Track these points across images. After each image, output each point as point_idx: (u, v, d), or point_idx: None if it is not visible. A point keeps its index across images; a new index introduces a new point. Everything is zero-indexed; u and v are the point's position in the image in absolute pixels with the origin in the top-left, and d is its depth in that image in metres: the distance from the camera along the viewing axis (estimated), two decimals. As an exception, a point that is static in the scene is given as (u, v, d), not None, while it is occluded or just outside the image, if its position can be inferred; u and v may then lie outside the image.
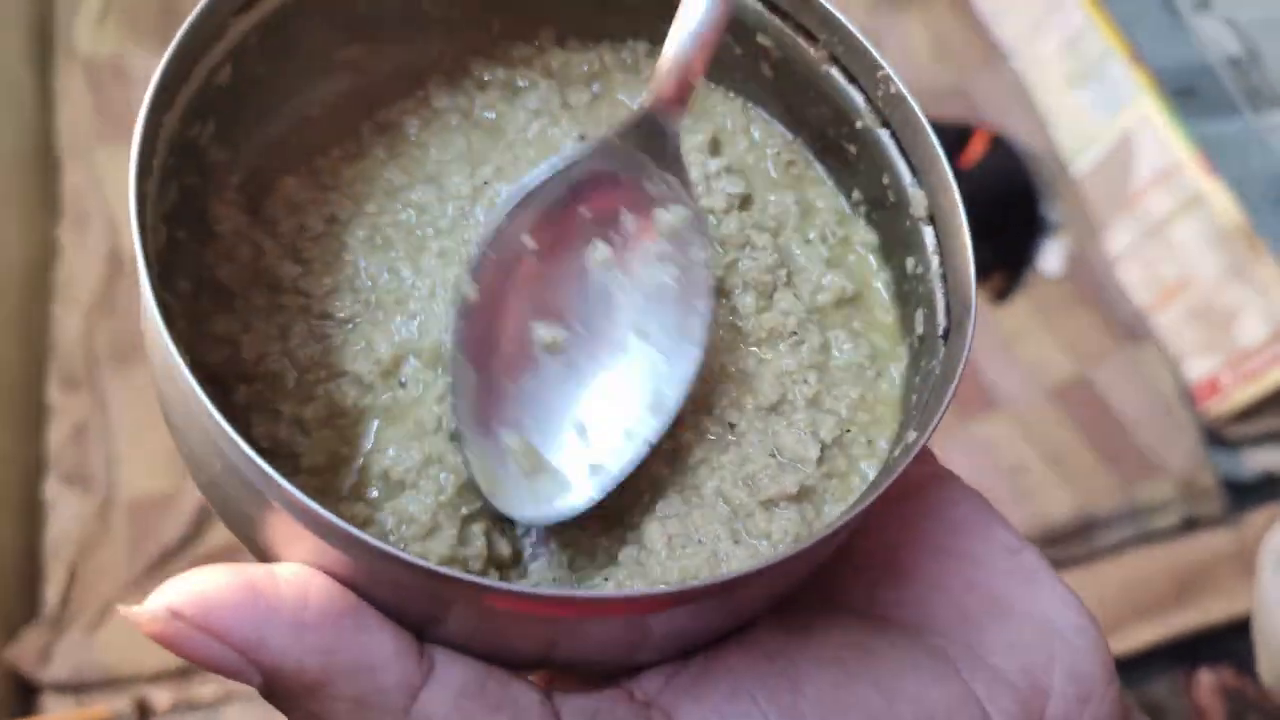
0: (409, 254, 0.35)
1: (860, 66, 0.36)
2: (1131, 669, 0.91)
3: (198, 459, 0.28)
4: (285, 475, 0.24)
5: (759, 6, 0.37)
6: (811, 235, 0.38)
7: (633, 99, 0.40)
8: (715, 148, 0.39)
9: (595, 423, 0.32)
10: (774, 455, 0.33)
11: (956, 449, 0.98)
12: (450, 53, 0.39)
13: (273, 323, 0.33)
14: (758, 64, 0.39)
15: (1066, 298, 1.08)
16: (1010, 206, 1.10)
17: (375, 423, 0.32)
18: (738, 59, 0.39)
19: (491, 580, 0.29)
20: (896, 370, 0.36)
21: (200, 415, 0.25)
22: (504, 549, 0.32)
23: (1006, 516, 0.34)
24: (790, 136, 0.40)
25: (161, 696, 0.79)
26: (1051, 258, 1.10)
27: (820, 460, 0.33)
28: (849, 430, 0.34)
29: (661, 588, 0.30)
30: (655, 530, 0.32)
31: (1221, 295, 1.01)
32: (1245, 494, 1.01)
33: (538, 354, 0.33)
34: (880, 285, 0.38)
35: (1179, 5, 1.13)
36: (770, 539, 0.32)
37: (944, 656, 0.30)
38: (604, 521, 0.33)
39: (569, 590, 0.31)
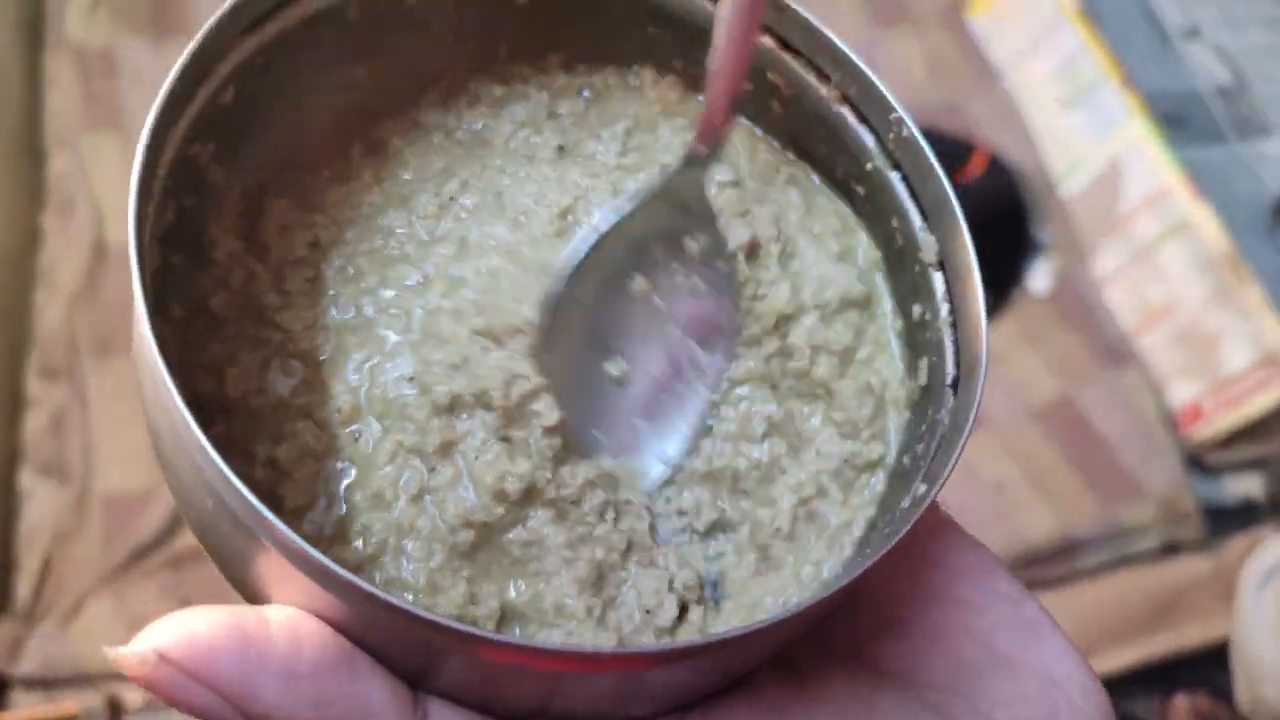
0: (374, 286, 0.34)
1: (873, 108, 0.35)
2: (1108, 692, 0.91)
3: (187, 494, 0.27)
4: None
5: (771, 43, 0.36)
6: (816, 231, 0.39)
7: (624, 110, 0.39)
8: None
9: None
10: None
11: (939, 466, 0.98)
12: (452, 73, 0.38)
13: (256, 356, 0.32)
14: (767, 100, 0.38)
15: (1053, 318, 1.08)
16: (1002, 225, 1.10)
17: (349, 471, 0.31)
18: (746, 94, 0.38)
19: (490, 632, 0.28)
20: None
21: (192, 450, 0.25)
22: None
23: (986, 534, 0.34)
24: (793, 156, 0.39)
25: (134, 694, 0.78)
26: (1039, 278, 1.10)
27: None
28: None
29: (660, 644, 0.30)
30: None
31: (1206, 321, 1.02)
32: (1225, 520, 1.01)
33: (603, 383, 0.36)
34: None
35: (1170, 32, 1.14)
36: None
37: (945, 713, 0.30)
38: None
39: (568, 645, 0.30)
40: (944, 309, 0.34)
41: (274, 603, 0.26)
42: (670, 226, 0.36)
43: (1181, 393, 1.05)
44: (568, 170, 0.37)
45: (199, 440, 0.24)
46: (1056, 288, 1.10)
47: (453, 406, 0.32)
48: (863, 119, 0.36)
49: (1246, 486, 1.03)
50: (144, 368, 0.26)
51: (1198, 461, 1.03)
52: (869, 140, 0.36)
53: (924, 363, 0.35)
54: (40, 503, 0.86)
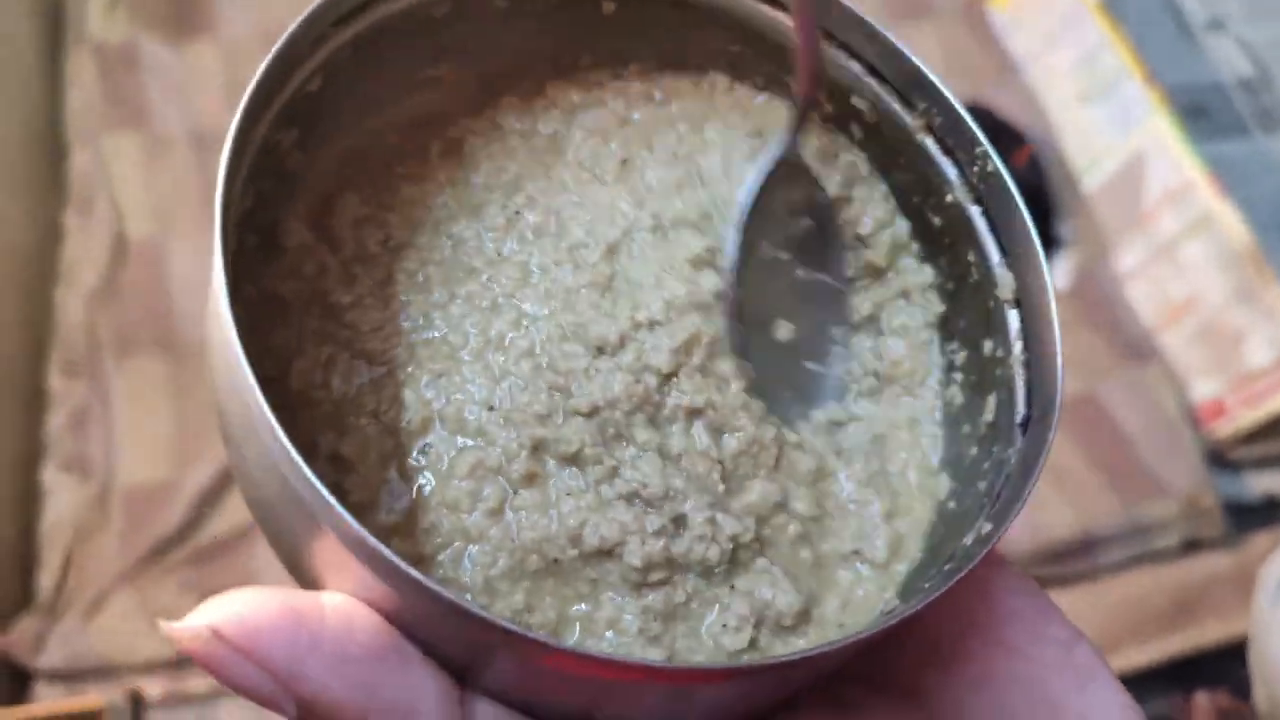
0: (444, 301, 0.34)
1: (958, 140, 0.35)
2: (1128, 689, 0.91)
3: (252, 476, 0.27)
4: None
5: (857, 68, 0.36)
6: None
7: (696, 112, 0.40)
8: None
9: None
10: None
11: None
12: (532, 77, 0.39)
13: (323, 350, 0.32)
14: (848, 125, 0.38)
15: (1074, 314, 1.08)
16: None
17: (423, 475, 0.32)
18: (828, 117, 0.38)
19: (546, 636, 0.28)
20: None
21: (263, 432, 0.25)
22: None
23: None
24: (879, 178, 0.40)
25: (155, 687, 0.79)
26: (1060, 273, 1.10)
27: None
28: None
29: (715, 663, 0.30)
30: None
31: (1228, 317, 1.01)
32: (1247, 517, 1.00)
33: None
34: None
35: (1192, 24, 1.13)
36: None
37: None
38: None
39: (622, 656, 0.30)
40: (1017, 347, 0.34)
41: (329, 589, 0.26)
42: (777, 183, 0.37)
43: (1203, 389, 1.04)
44: (619, 197, 0.37)
45: (271, 424, 0.24)
46: (1077, 284, 1.10)
47: (537, 449, 0.32)
48: (947, 151, 0.35)
49: (1269, 483, 1.02)
50: (216, 348, 0.26)
51: (1219, 458, 1.03)
52: (951, 172, 0.36)
53: (992, 399, 0.34)
54: (62, 499, 0.86)
